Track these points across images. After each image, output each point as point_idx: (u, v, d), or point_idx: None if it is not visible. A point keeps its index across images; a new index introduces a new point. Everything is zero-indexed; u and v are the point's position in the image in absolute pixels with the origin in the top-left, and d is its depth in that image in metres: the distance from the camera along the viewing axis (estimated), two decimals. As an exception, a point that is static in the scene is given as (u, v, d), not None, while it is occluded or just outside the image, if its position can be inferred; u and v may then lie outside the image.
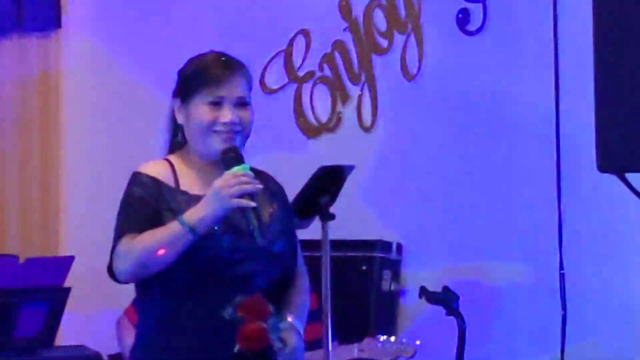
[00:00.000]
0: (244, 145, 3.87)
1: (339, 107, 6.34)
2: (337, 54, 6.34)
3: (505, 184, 6.04)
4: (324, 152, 6.02)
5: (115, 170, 6.06)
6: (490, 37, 6.06)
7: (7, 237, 6.66)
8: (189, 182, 3.94)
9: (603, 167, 3.95)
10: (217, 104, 3.82)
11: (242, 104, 3.83)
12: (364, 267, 6.02)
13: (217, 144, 3.81)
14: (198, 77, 3.90)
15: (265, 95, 6.36)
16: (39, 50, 6.79)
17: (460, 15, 6.07)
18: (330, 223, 4.51)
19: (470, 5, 6.06)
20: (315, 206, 4.58)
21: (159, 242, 3.77)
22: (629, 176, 4.01)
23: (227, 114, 3.81)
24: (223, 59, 3.91)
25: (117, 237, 3.84)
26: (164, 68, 5.79)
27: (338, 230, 4.62)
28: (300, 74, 6.39)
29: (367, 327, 5.86)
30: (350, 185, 4.74)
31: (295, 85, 6.39)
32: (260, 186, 3.75)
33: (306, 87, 6.42)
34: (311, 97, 6.40)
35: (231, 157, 3.78)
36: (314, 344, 4.97)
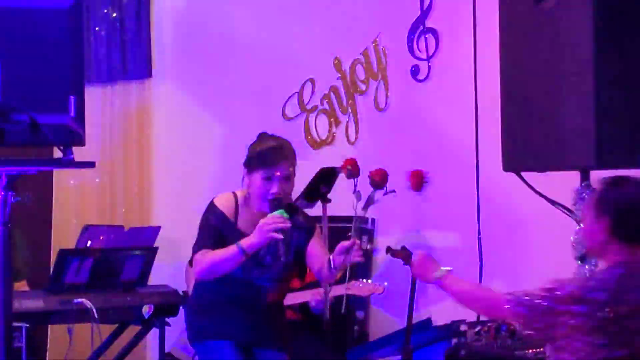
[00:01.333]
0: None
1: (333, 129, 7.01)
2: (332, 95, 6.98)
3: (440, 179, 6.53)
4: (323, 158, 6.42)
5: (188, 174, 7.18)
6: (432, 84, 6.57)
7: (117, 215, 7.20)
8: (244, 222, 4.56)
9: (506, 168, 4.93)
10: (269, 179, 4.48)
11: (286, 179, 4.49)
12: (349, 234, 6.06)
13: (265, 207, 4.48)
14: (259, 159, 4.50)
15: (285, 121, 7.03)
16: (137, 92, 7.28)
17: (412, 69, 6.63)
18: (328, 204, 5.20)
19: (419, 62, 6.59)
20: (318, 193, 5.24)
21: (221, 258, 4.46)
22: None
23: (274, 188, 4.47)
24: (277, 148, 4.50)
25: (198, 248, 4.52)
26: (224, 106, 6.84)
27: (333, 209, 5.25)
28: (308, 107, 7.07)
29: (352, 273, 5.81)
30: (340, 181, 5.45)
31: (305, 115, 7.06)
32: (289, 225, 4.35)
33: (312, 116, 7.06)
34: (315, 122, 7.05)
35: (274, 205, 4.45)
36: (316, 284, 5.93)
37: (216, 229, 4.55)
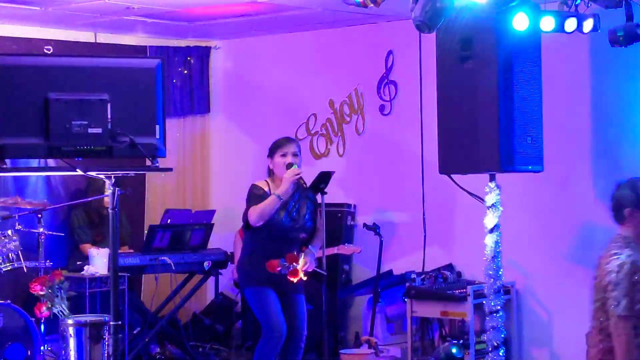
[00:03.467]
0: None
1: (329, 146, 6.76)
2: (327, 124, 6.77)
3: (397, 178, 6.37)
4: (322, 166, 6.18)
5: (233, 175, 6.98)
6: (393, 116, 6.44)
7: (187, 202, 7.06)
8: (274, 189, 4.64)
9: (441, 171, 4.95)
10: (284, 155, 4.66)
11: (294, 155, 4.69)
12: (339, 215, 6.42)
13: (284, 173, 4.62)
14: (277, 145, 4.72)
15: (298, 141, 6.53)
16: (200, 123, 7.19)
17: (380, 107, 6.49)
18: (325, 195, 5.06)
19: (385, 103, 6.45)
20: (318, 188, 5.08)
21: (266, 205, 4.57)
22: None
23: (289, 159, 4.67)
24: (287, 137, 4.83)
25: (249, 208, 4.59)
26: (257, 131, 6.74)
27: (328, 198, 5.13)
28: (312, 132, 6.83)
29: (339, 240, 6.24)
30: (333, 180, 5.28)
31: (310, 137, 6.82)
32: (301, 171, 4.54)
33: (314, 138, 6.83)
34: (317, 142, 6.81)
35: (289, 165, 4.62)
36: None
37: (258, 196, 4.56)
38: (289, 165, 4.59)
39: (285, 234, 4.57)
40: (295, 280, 4.45)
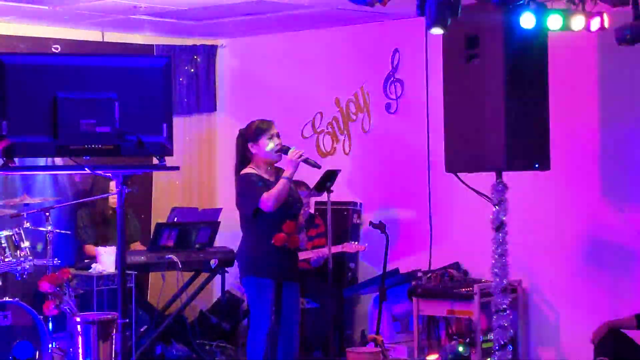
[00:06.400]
0: None
1: (335, 145, 6.75)
2: (334, 122, 6.77)
3: (403, 177, 6.35)
4: (328, 164, 6.02)
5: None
6: (399, 115, 6.43)
7: (193, 200, 7.07)
8: (265, 175, 4.51)
9: (447, 170, 4.92)
10: (271, 137, 4.50)
11: (278, 136, 4.54)
12: (345, 213, 6.43)
13: (275, 156, 4.52)
14: (260, 128, 4.51)
15: (303, 139, 6.78)
16: (206, 121, 7.23)
17: (386, 105, 6.48)
18: (331, 194, 5.24)
19: (391, 101, 6.46)
20: (324, 186, 5.23)
21: (279, 189, 4.45)
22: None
23: (277, 140, 4.51)
24: (267, 120, 4.59)
25: (258, 197, 4.39)
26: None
27: (334, 196, 5.30)
28: (318, 130, 6.84)
29: (345, 237, 6.22)
30: (340, 178, 5.39)
31: (316, 135, 6.83)
32: (303, 151, 4.44)
33: (321, 136, 6.83)
34: (323, 140, 6.81)
35: (285, 149, 4.48)
36: (321, 247, 5.88)
37: (256, 182, 4.45)
38: (284, 148, 4.48)
39: (288, 211, 4.56)
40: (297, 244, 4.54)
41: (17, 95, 3.06)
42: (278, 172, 4.49)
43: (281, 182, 4.44)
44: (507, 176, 4.83)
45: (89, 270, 5.51)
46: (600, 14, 4.66)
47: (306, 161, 4.43)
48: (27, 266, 4.89)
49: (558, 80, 5.09)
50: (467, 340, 5.29)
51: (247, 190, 4.43)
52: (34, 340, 5.00)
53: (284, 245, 4.46)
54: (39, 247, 5.39)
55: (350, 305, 6.40)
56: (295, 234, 4.53)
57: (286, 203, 4.48)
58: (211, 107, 7.16)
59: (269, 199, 4.42)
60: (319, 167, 4.53)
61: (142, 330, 6.01)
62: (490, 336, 5.05)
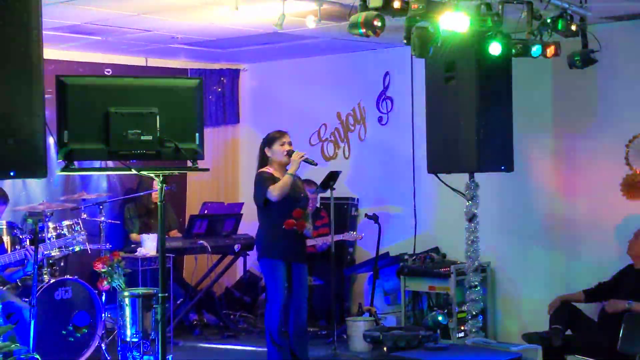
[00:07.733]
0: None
1: (337, 151, 6.67)
2: (336, 132, 6.68)
3: (393, 177, 6.28)
4: (331, 166, 6.12)
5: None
6: (389, 126, 6.36)
7: (220, 196, 6.99)
8: (277, 174, 4.49)
9: (429, 171, 4.90)
10: (283, 143, 4.50)
11: (289, 144, 4.52)
12: (345, 207, 6.36)
13: (285, 159, 4.48)
14: (274, 136, 4.54)
15: (310, 146, 6.69)
16: (232, 131, 7.16)
17: (379, 118, 6.42)
18: (334, 191, 5.18)
19: (382, 115, 6.39)
20: (328, 185, 5.17)
21: (284, 183, 4.43)
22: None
23: (288, 146, 4.51)
24: (281, 130, 4.60)
25: (266, 189, 4.40)
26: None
27: (336, 193, 5.25)
28: (323, 139, 6.75)
29: (345, 227, 6.15)
30: (341, 178, 5.34)
31: (321, 143, 6.75)
32: (305, 153, 4.41)
33: (325, 144, 6.75)
34: (327, 147, 6.73)
35: (291, 152, 4.46)
36: (325, 235, 5.81)
37: (269, 178, 4.43)
38: (290, 152, 4.47)
39: (295, 204, 4.53)
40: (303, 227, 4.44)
41: (76, 109, 3.03)
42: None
43: (285, 177, 4.43)
44: (478, 176, 4.84)
45: (135, 254, 5.50)
46: (555, 43, 4.66)
47: (306, 160, 4.40)
48: (81, 239, 4.87)
49: (520, 97, 5.08)
50: (445, 311, 5.22)
51: (259, 184, 4.45)
52: (90, 310, 5.07)
53: (293, 230, 4.41)
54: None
55: (349, 283, 6.37)
56: (303, 219, 4.48)
57: (293, 197, 4.45)
58: (235, 120, 7.15)
59: (274, 189, 4.41)
60: (315, 164, 4.49)
61: (178, 302, 6.00)
62: (464, 308, 5.07)
